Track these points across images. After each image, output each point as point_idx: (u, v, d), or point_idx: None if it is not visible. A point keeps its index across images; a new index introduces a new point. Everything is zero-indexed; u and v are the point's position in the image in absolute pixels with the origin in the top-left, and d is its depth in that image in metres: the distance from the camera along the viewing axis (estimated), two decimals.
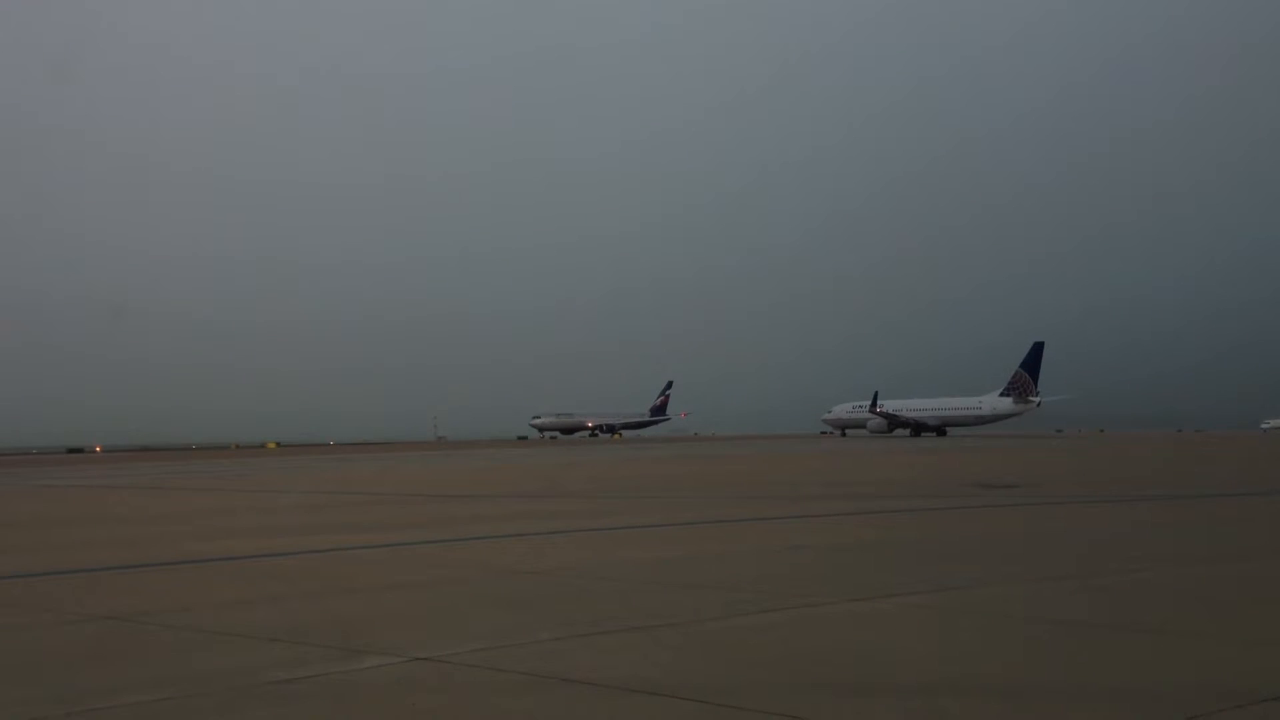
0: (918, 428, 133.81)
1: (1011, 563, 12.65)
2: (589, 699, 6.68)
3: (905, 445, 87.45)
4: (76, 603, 10.98)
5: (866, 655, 7.78)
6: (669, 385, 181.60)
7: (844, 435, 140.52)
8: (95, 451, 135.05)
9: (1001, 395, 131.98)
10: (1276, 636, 8.32)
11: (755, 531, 17.60)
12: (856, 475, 37.34)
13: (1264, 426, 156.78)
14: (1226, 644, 8.00)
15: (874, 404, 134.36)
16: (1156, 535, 16.23)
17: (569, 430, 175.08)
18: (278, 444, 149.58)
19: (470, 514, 22.68)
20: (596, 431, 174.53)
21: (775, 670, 7.35)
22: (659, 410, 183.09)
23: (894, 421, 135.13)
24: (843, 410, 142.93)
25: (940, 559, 13.12)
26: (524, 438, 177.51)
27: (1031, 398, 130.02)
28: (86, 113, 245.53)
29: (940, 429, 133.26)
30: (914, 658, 7.67)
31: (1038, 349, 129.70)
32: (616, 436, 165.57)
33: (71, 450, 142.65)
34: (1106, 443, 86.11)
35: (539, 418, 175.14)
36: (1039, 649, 7.96)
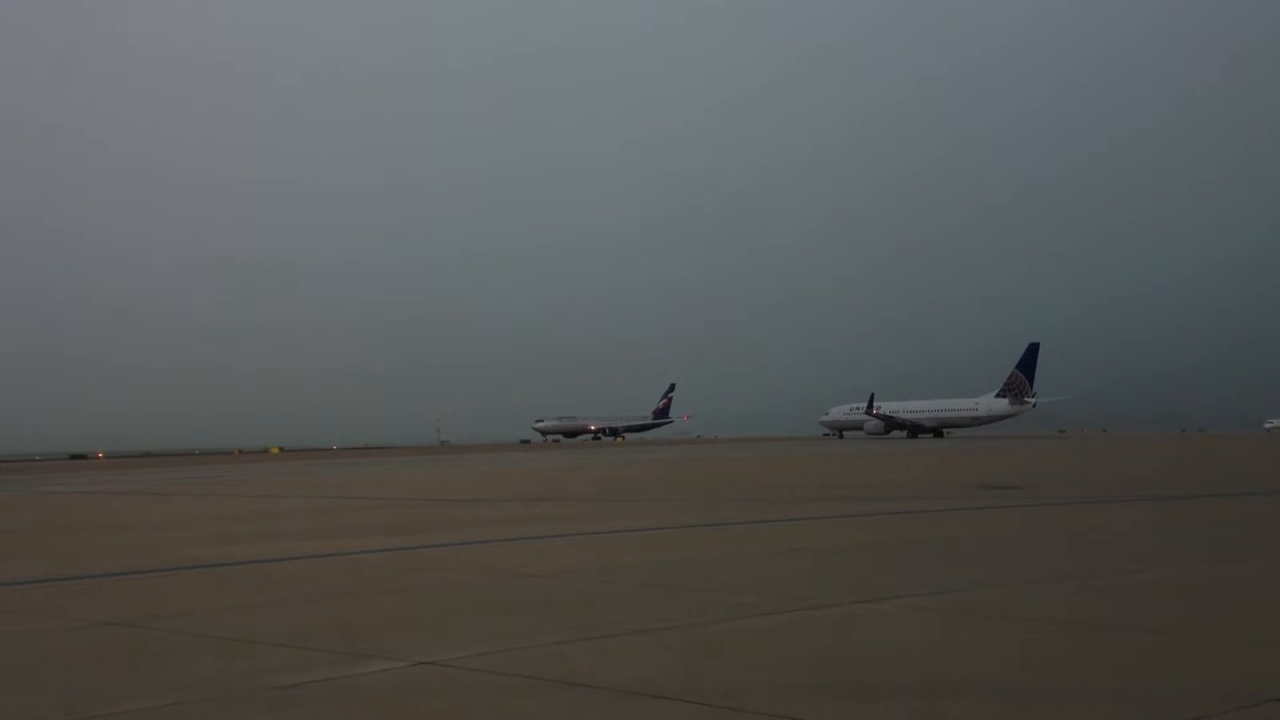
0: (914, 429, 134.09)
1: (1012, 564, 12.66)
2: (592, 702, 6.71)
3: (905, 447, 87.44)
4: (80, 609, 11.01)
5: (867, 657, 7.80)
6: (671, 387, 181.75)
7: (841, 437, 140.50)
8: (98, 457, 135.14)
9: (997, 396, 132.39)
10: (1279, 637, 8.33)
11: (756, 534, 17.62)
12: (857, 477, 37.35)
13: (1267, 426, 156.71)
14: (1229, 644, 8.02)
15: (870, 405, 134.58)
16: (1157, 536, 16.24)
17: (572, 433, 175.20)
18: (281, 449, 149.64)
19: (473, 518, 22.70)
20: (599, 434, 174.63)
21: (777, 672, 7.37)
22: (662, 413, 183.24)
23: (891, 423, 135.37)
24: (840, 412, 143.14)
25: (941, 561, 13.13)
26: (526, 441, 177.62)
27: (1027, 399, 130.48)
28: (86, 113, 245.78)
29: (937, 430, 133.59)
30: (915, 659, 7.69)
31: (1033, 350, 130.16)
32: (619, 440, 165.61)
33: (74, 456, 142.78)
34: (1108, 443, 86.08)
35: (542, 421, 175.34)
36: (1039, 650, 7.97)
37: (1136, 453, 59.64)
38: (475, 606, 10.54)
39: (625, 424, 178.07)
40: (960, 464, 47.03)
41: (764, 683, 7.06)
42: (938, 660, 7.64)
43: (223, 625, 9.63)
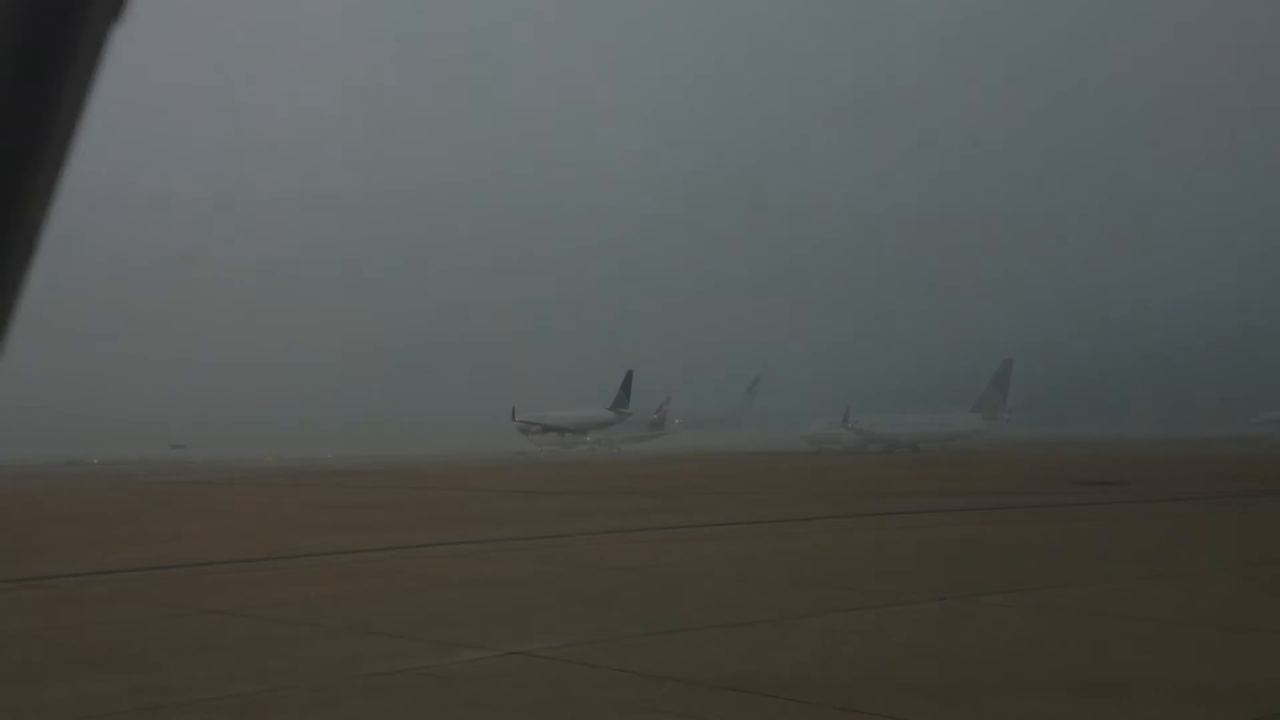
0: (890, 444, 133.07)
1: (1110, 563, 12.39)
2: (681, 695, 6.69)
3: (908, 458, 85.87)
4: (183, 596, 11.29)
5: (961, 655, 7.68)
6: (666, 400, 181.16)
7: (818, 452, 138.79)
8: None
9: (971, 412, 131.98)
10: None
11: (831, 529, 17.49)
12: (930, 475, 36.84)
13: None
14: None
15: (845, 420, 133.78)
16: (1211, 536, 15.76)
17: (567, 434, 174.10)
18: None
19: (558, 510, 22.88)
20: (595, 445, 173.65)
21: (869, 667, 7.30)
22: (656, 425, 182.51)
23: (866, 438, 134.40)
24: (819, 426, 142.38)
25: (1046, 557, 12.91)
26: (521, 453, 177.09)
27: (1001, 414, 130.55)
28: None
29: (913, 445, 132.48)
30: (1011, 657, 7.57)
31: (1006, 366, 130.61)
32: (617, 450, 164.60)
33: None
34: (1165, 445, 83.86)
35: (534, 426, 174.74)
36: (1141, 646, 7.79)
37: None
38: (563, 598, 10.61)
39: (622, 436, 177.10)
40: (1056, 461, 46.14)
41: (857, 678, 7.00)
42: (1036, 658, 7.52)
43: (321, 614, 9.82)
